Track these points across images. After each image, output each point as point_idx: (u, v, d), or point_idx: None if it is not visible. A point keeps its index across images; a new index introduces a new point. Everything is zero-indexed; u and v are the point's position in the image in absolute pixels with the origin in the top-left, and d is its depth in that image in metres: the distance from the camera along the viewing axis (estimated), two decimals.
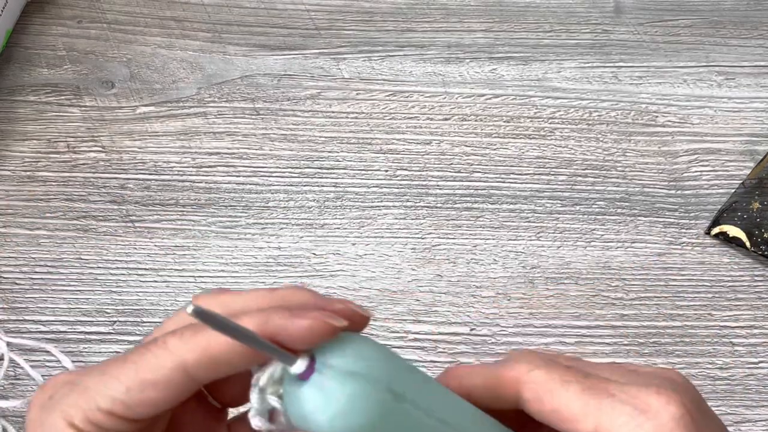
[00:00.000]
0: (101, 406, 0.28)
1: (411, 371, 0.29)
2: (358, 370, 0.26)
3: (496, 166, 0.58)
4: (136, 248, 0.55)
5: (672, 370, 0.32)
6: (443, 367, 0.51)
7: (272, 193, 0.57)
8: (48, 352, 0.51)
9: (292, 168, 0.57)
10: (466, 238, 0.55)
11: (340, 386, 0.26)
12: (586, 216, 0.56)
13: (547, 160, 0.58)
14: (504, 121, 0.59)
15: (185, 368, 0.27)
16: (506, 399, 0.32)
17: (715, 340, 0.53)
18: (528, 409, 0.31)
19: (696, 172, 0.58)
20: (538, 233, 0.56)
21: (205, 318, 0.25)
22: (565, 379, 0.30)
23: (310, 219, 0.56)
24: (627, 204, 0.57)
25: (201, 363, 0.27)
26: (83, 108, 0.59)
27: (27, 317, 0.53)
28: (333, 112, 0.59)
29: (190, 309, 0.25)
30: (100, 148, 0.58)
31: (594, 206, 0.56)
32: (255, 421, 0.27)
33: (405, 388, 0.27)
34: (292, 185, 0.57)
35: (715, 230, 0.55)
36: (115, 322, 0.53)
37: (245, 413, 0.28)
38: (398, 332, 0.53)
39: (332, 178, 0.57)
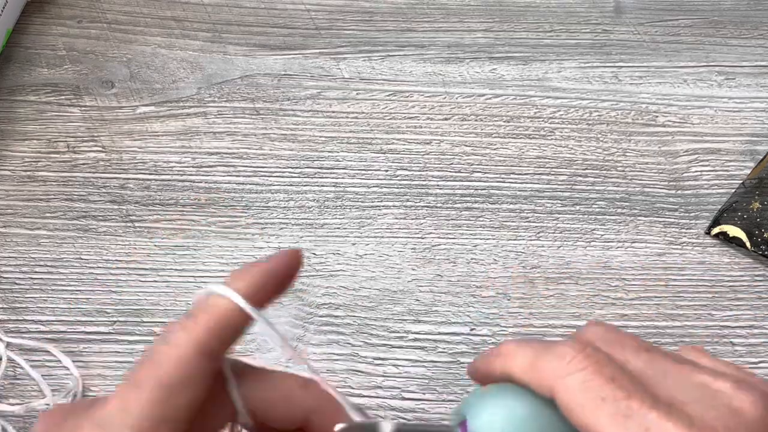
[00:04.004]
0: None
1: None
2: None
3: (496, 166, 0.58)
4: (136, 248, 0.55)
5: (749, 392, 0.28)
6: (443, 367, 0.51)
7: (272, 193, 0.57)
8: (48, 352, 0.51)
9: (292, 168, 0.57)
10: (466, 238, 0.55)
11: None
12: (586, 216, 0.56)
13: (547, 160, 0.58)
14: (504, 121, 0.59)
15: (200, 345, 0.28)
16: (543, 394, 0.30)
17: (715, 340, 0.53)
18: (563, 413, 0.29)
19: (696, 172, 0.58)
20: (538, 233, 0.56)
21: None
22: (602, 395, 0.28)
23: (310, 219, 0.56)
24: (627, 204, 0.57)
25: (214, 337, 0.28)
26: (83, 108, 0.59)
27: (27, 317, 0.53)
28: (333, 112, 0.59)
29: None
30: (100, 148, 0.58)
31: (594, 206, 0.56)
32: None
33: None
34: (292, 185, 0.57)
35: (715, 230, 0.55)
36: (115, 322, 0.53)
37: None
38: (398, 332, 0.53)
39: (332, 178, 0.57)
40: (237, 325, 0.30)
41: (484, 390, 0.32)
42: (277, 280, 0.31)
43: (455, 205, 0.56)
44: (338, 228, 0.56)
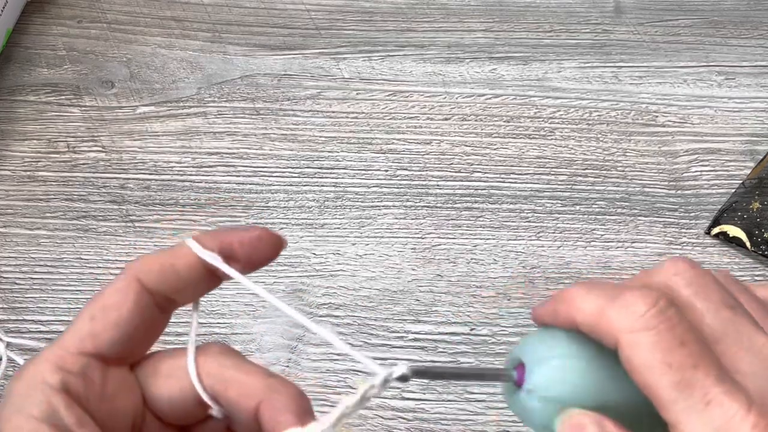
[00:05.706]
0: (70, 349, 0.30)
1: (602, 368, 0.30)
2: (556, 395, 0.29)
3: (496, 166, 0.58)
4: (136, 248, 0.55)
5: None
6: None
7: (272, 193, 0.57)
8: None
9: (292, 168, 0.57)
10: (466, 238, 0.55)
11: (543, 406, 0.29)
12: (586, 216, 0.56)
13: (547, 160, 0.58)
14: (504, 121, 0.59)
15: (138, 279, 0.31)
16: (608, 344, 0.28)
17: None
18: (623, 365, 0.28)
19: (696, 172, 0.58)
20: (538, 233, 0.56)
21: (423, 373, 0.30)
22: (669, 360, 0.27)
23: (310, 219, 0.56)
24: (627, 204, 0.57)
25: (151, 272, 0.31)
26: (83, 108, 0.59)
27: (27, 317, 0.53)
28: (333, 112, 0.59)
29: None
30: (100, 148, 0.58)
31: (594, 206, 0.56)
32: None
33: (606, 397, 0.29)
34: (292, 185, 0.57)
35: (716, 230, 0.55)
36: None
37: None
38: (398, 332, 0.53)
39: (332, 178, 0.57)
40: (184, 268, 0.31)
41: (543, 332, 0.31)
42: (250, 250, 0.32)
43: (455, 205, 0.56)
44: (338, 228, 0.56)
